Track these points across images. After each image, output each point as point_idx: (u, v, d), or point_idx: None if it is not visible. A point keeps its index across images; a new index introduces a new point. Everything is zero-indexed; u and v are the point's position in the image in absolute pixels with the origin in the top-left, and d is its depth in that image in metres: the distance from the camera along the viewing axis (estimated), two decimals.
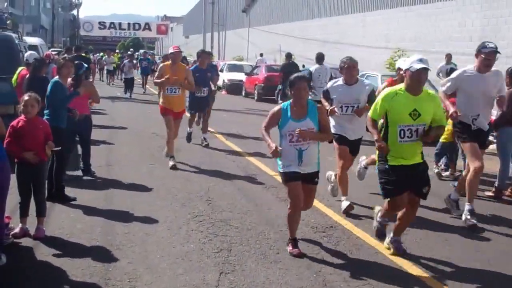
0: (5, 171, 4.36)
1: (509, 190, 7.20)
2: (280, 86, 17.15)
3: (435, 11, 19.06)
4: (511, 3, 15.51)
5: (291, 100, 4.84)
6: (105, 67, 28.84)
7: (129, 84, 21.36)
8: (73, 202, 6.19)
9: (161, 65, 9.33)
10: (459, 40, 17.39)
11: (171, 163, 8.25)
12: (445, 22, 18.37)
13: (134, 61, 25.08)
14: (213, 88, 11.02)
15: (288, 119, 4.77)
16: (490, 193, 7.16)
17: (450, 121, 8.01)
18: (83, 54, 16.78)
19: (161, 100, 8.74)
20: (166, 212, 5.95)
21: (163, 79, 8.37)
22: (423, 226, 5.74)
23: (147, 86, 25.20)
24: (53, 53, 20.35)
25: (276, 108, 4.91)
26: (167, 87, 8.45)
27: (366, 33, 23.91)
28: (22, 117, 4.99)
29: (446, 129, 8.07)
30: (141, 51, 41.29)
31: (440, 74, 14.40)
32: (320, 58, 12.71)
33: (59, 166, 6.29)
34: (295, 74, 4.95)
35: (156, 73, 9.24)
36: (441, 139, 8.15)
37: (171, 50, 8.79)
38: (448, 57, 15.45)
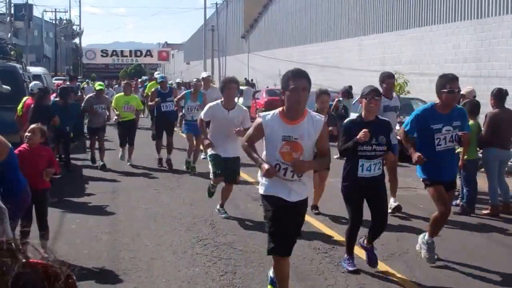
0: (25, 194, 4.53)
1: (489, 208, 7.29)
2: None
3: (429, 34, 19.40)
4: (504, 25, 15.81)
5: None
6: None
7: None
8: (78, 228, 6.30)
9: None
10: (454, 62, 17.66)
11: None
12: (440, 44, 18.67)
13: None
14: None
15: None
16: (487, 211, 7.28)
17: None
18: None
19: None
20: (171, 236, 6.07)
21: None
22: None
23: None
24: (58, 82, 20.59)
25: None
26: None
27: (363, 56, 24.27)
28: (25, 145, 5.16)
29: None
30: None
31: None
32: (248, 83, 25.69)
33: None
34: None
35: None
36: None
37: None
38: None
